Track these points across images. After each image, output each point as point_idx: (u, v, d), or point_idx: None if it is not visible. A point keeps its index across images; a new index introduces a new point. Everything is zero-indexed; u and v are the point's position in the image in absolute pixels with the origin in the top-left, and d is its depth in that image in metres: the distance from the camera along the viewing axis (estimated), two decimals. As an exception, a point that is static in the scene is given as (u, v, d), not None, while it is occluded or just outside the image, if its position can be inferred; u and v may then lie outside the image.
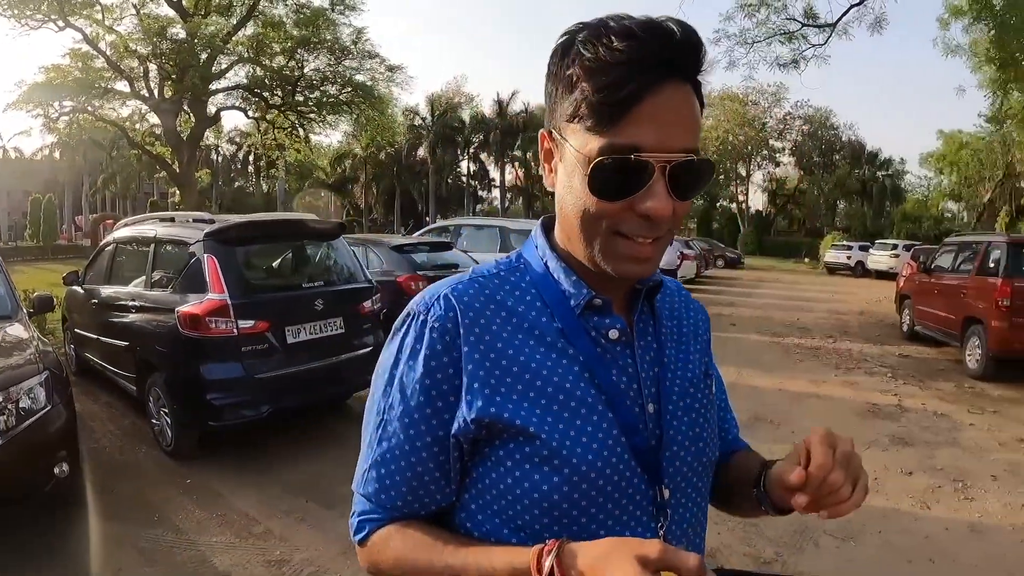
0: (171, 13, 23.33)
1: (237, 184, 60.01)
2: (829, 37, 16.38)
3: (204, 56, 22.54)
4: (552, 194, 0.98)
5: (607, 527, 0.93)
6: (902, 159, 58.51)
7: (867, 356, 11.29)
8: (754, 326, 14.20)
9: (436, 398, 0.95)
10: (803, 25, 16.35)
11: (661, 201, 0.86)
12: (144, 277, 6.18)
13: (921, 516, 4.95)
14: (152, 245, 6.19)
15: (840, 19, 16.16)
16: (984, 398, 8.63)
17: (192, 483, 5.02)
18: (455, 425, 0.95)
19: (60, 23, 21.82)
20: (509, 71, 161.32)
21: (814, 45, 16.50)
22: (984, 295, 9.67)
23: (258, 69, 24.64)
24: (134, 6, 22.95)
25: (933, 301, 11.76)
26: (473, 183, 57.22)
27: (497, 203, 56.88)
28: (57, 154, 47.48)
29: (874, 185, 51.60)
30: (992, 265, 9.84)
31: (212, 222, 5.88)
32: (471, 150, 53.82)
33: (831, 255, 36.57)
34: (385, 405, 1.00)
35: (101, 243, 7.90)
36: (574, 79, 0.87)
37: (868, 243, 36.07)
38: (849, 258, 35.12)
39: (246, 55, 24.25)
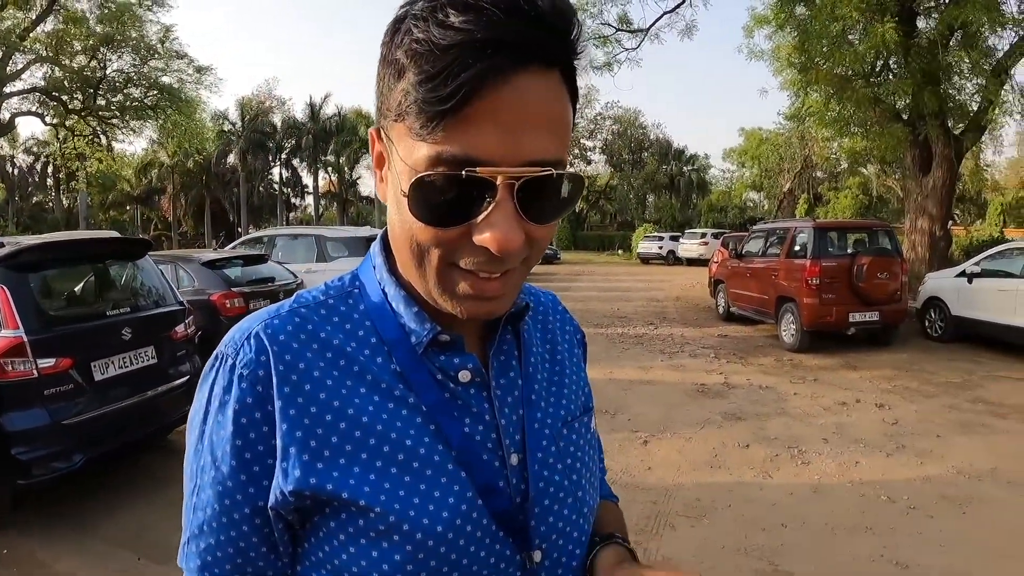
0: None
1: (36, 199, 54.99)
2: (641, 42, 17.19)
3: (0, 54, 20.52)
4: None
5: None
6: (706, 155, 63.15)
7: (689, 340, 11.85)
8: (577, 319, 14.47)
9: (251, 462, 0.76)
10: (617, 30, 17.00)
11: (505, 230, 0.66)
12: None
13: (765, 485, 5.21)
14: None
15: (653, 25, 17.03)
16: (803, 368, 9.35)
17: (9, 554, 4.37)
18: (272, 497, 0.76)
19: None
20: (323, 74, 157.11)
21: (627, 49, 17.20)
22: (794, 275, 10.51)
23: (57, 69, 22.86)
24: None
25: (746, 284, 12.61)
26: (286, 191, 55.60)
27: (311, 210, 55.51)
28: None
29: (681, 179, 54.99)
30: (799, 248, 10.74)
31: (2, 246, 5.21)
32: (283, 156, 52.10)
33: (644, 246, 38.59)
34: (197, 467, 0.80)
35: None
36: (401, 66, 0.67)
37: (678, 233, 38.74)
38: (661, 248, 37.34)
39: (44, 53, 22.42)
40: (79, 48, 22.99)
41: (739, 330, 12.79)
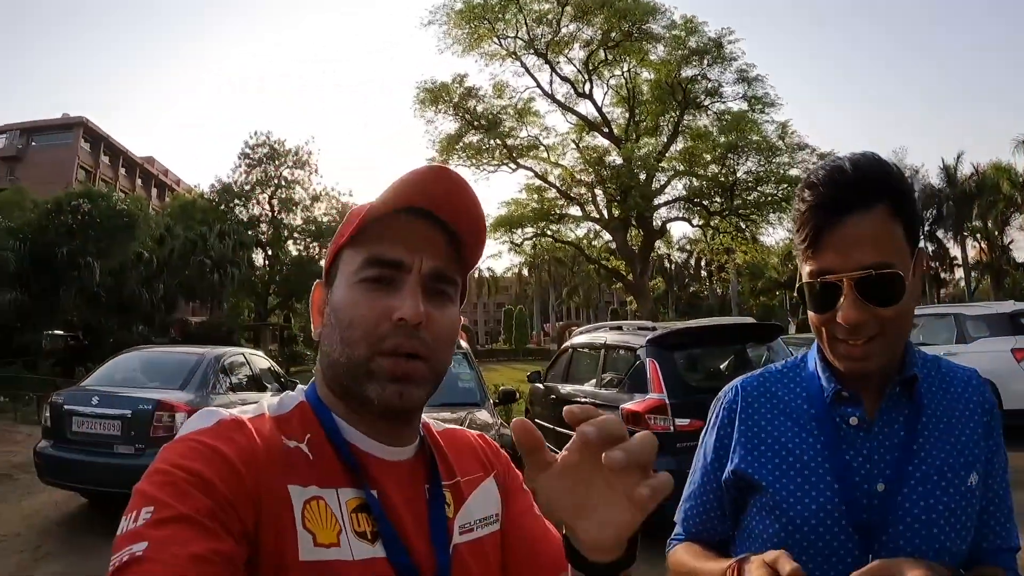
0: (605, 143, 26.42)
1: (691, 289, 62.15)
2: None
3: (642, 176, 24.73)
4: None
5: (810, 572, 1.10)
6: None
7: None
8: None
9: (722, 456, 1.31)
10: None
11: (848, 311, 1.08)
12: (595, 378, 7.02)
13: None
14: (602, 350, 7.08)
15: None
16: None
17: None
18: (724, 475, 1.29)
19: (512, 166, 26.64)
20: (949, 132, 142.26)
21: None
22: None
23: (694, 180, 26.14)
24: (573, 142, 26.78)
25: None
26: (933, 265, 49.31)
27: (963, 284, 49.54)
28: (525, 271, 54.86)
29: None
30: None
31: (654, 329, 6.44)
32: (925, 228, 46.54)
33: None
34: (695, 459, 1.40)
35: (560, 348, 9.06)
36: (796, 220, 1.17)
37: None
38: None
39: (680, 168, 26.14)
40: (709, 159, 26.01)
41: None
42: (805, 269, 1.14)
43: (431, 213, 0.91)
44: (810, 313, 1.16)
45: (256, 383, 8.63)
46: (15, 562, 5.73)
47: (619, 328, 7.50)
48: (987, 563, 1.23)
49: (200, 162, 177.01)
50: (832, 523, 1.14)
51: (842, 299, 1.09)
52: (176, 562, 0.67)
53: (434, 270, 0.90)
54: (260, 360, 9.72)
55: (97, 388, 7.30)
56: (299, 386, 1.00)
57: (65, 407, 6.93)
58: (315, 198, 39.61)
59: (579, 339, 8.39)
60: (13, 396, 15.81)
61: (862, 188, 1.08)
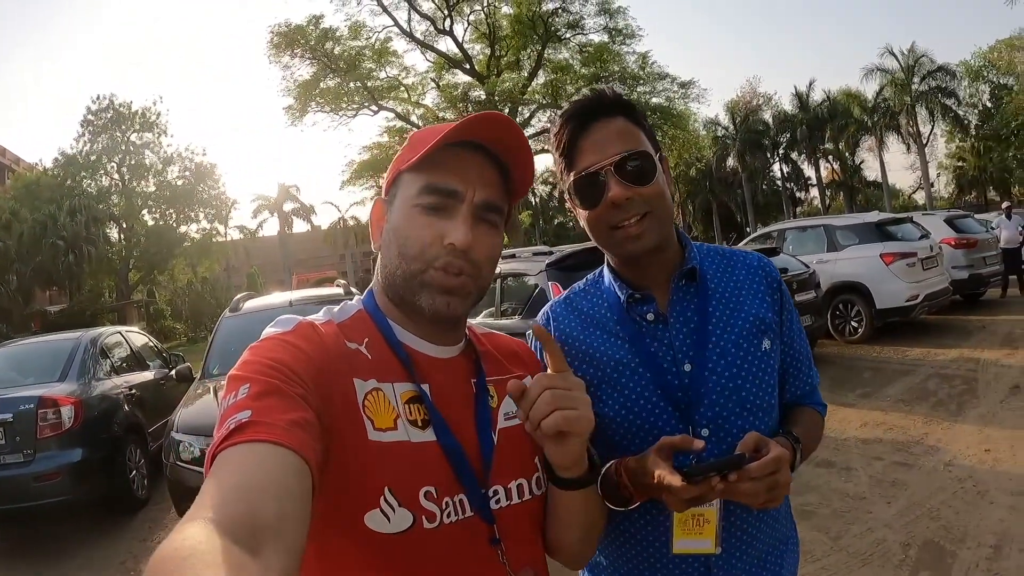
0: (467, 80, 26.52)
1: (557, 221, 62.92)
2: None
3: (506, 110, 24.89)
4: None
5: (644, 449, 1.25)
6: None
7: None
8: None
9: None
10: None
11: (615, 189, 1.24)
12: (492, 308, 7.13)
13: None
14: (498, 280, 7.09)
15: None
16: None
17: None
18: None
19: (373, 108, 26.38)
20: (802, 60, 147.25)
21: None
22: None
23: (557, 112, 26.41)
24: (432, 80, 26.71)
25: None
26: (789, 185, 54.05)
27: (817, 202, 53.07)
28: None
29: None
30: None
31: (551, 253, 6.57)
32: (780, 151, 50.97)
33: None
34: None
35: None
36: (554, 139, 1.36)
37: None
38: None
39: (544, 101, 26.48)
40: (572, 90, 26.46)
41: None
42: (570, 177, 1.30)
43: (484, 147, 1.06)
44: (584, 216, 1.32)
45: (138, 362, 8.25)
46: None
47: (512, 256, 7.58)
48: (799, 405, 1.47)
49: (41, 136, 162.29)
50: (652, 405, 1.31)
51: (608, 184, 1.24)
52: (279, 423, 0.79)
53: (485, 201, 1.05)
54: (137, 336, 9.22)
55: (-34, 397, 6.34)
56: (356, 296, 1.15)
57: (-67, 426, 5.98)
58: (167, 161, 37.83)
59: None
60: None
61: (602, 103, 1.29)
